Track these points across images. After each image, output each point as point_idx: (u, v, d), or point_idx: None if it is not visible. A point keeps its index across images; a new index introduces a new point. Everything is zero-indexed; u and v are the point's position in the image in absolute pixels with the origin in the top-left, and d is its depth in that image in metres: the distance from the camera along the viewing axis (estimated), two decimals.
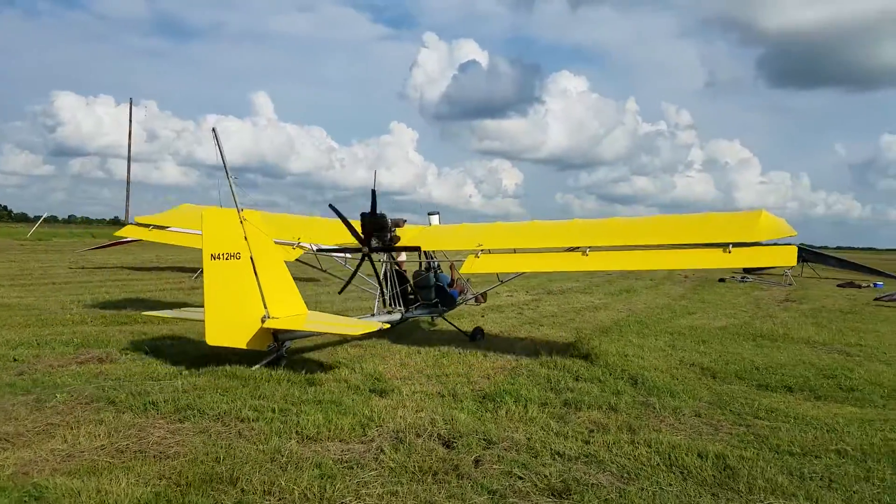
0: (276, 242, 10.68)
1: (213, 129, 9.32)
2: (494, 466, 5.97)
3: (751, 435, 7.20)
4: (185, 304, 13.90)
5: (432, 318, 14.16)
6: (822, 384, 9.87)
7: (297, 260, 12.98)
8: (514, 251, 11.72)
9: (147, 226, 15.27)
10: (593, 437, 6.93)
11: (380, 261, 12.69)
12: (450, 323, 13.73)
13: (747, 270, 38.95)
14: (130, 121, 60.73)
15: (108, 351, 10.29)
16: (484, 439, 6.65)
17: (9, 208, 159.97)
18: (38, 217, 55.20)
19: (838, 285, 32.39)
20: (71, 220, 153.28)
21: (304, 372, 9.10)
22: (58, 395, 7.57)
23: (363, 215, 11.86)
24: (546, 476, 5.75)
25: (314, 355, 10.64)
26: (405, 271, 13.25)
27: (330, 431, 6.74)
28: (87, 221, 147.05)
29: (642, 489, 5.58)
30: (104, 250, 37.99)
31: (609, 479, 5.81)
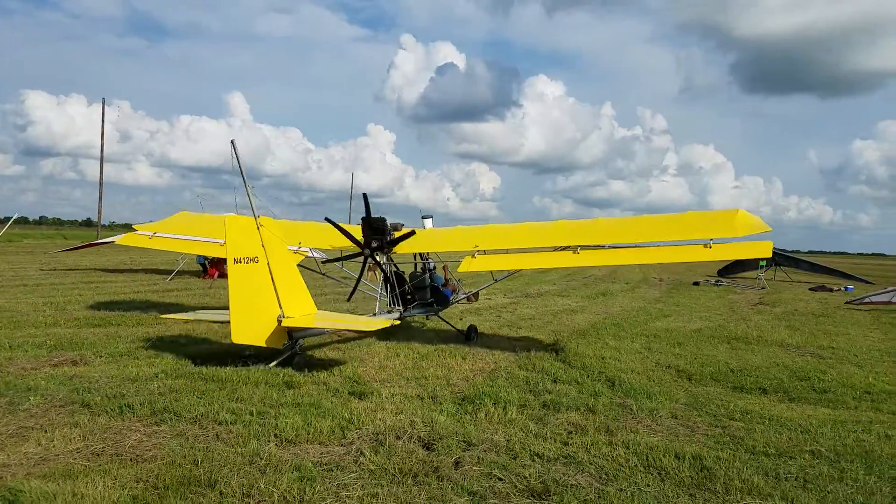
0: None
1: (232, 142, 9.70)
2: (474, 468, 5.98)
3: (727, 436, 7.28)
4: (159, 307, 13.78)
5: (427, 316, 14.48)
6: (796, 386, 10.02)
7: (298, 265, 13.05)
8: (507, 251, 12.29)
9: (148, 234, 15.45)
10: (572, 438, 6.97)
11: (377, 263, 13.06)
12: (445, 321, 14.17)
13: (721, 273, 39.49)
14: (103, 121, 59.42)
15: (81, 353, 10.16)
16: (464, 441, 6.66)
17: None
18: (8, 218, 54.03)
19: (810, 289, 32.85)
20: (42, 221, 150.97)
21: (281, 375, 9.06)
22: (31, 398, 7.45)
23: (363, 220, 12.32)
24: (525, 477, 5.78)
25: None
26: (403, 273, 13.65)
27: (309, 434, 6.71)
28: (58, 223, 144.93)
29: (621, 490, 5.62)
30: (76, 252, 37.44)
31: (588, 479, 5.84)
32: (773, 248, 14.03)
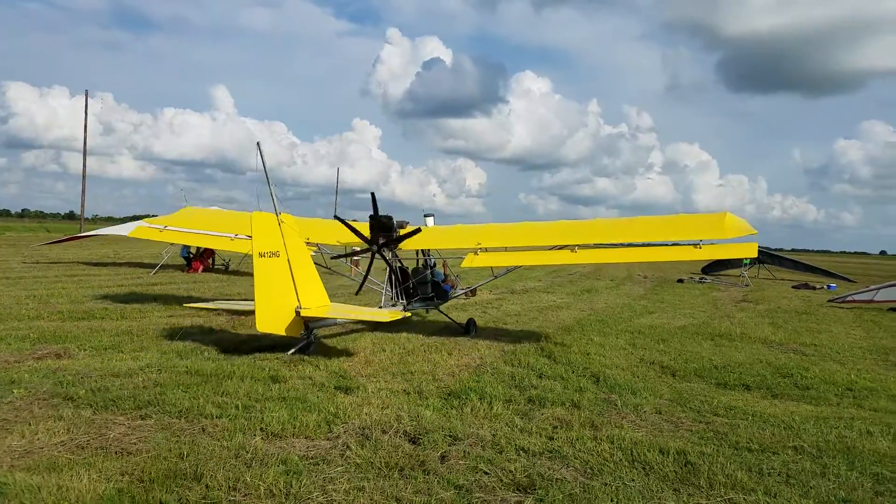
0: None
1: (258, 144, 10.19)
2: (460, 462, 6.00)
3: (710, 432, 7.34)
4: (142, 300, 13.69)
5: (426, 309, 14.73)
6: (779, 383, 10.12)
7: None
8: (508, 249, 13.03)
9: (159, 227, 15.86)
10: (557, 433, 7.01)
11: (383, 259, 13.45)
12: (445, 315, 14.47)
13: (705, 271, 39.74)
14: (86, 113, 58.94)
15: (65, 346, 10.10)
16: (449, 436, 6.68)
17: None
18: None
19: (793, 287, 33.15)
20: (24, 213, 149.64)
21: (266, 370, 9.05)
22: (15, 391, 7.41)
23: (371, 217, 12.87)
24: (511, 471, 5.81)
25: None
26: (407, 268, 14.01)
27: (295, 428, 6.71)
28: (41, 216, 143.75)
29: (606, 484, 5.66)
30: (59, 245, 37.10)
31: (573, 474, 5.88)
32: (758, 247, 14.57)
